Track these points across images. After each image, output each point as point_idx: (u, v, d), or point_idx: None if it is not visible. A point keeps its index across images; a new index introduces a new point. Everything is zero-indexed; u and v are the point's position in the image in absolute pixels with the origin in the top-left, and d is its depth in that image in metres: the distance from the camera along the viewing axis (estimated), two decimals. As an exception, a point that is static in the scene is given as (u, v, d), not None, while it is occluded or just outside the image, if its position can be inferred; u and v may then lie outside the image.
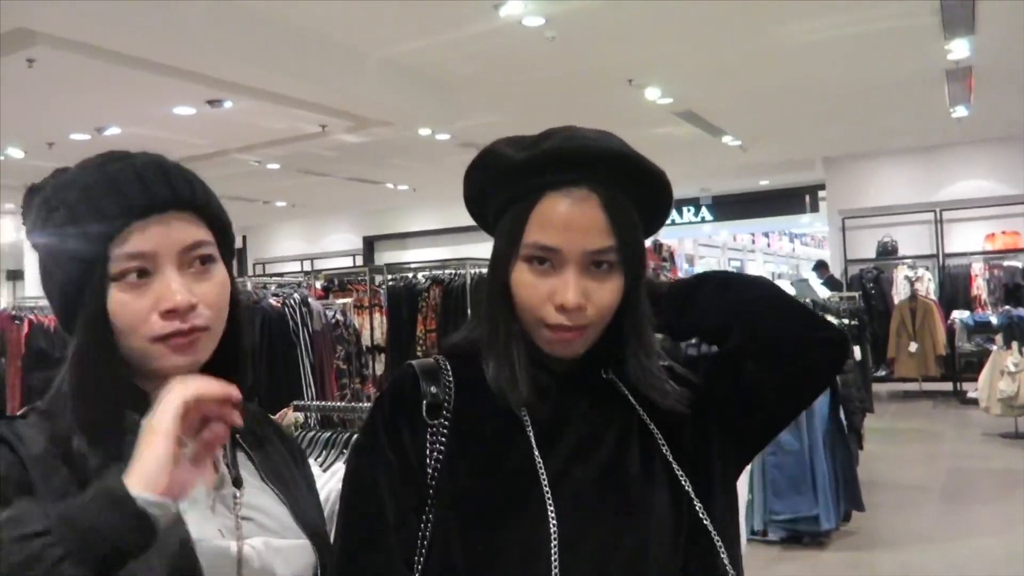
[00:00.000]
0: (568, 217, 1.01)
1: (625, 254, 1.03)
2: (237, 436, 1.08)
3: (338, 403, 3.28)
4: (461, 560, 1.00)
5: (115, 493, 0.76)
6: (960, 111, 8.94)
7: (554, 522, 0.99)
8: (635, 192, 1.06)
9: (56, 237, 0.96)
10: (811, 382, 1.16)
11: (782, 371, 1.09)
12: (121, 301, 0.94)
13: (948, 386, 10.61)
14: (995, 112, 9.30)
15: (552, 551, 0.98)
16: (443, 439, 1.05)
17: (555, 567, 0.98)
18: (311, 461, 2.29)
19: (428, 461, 1.04)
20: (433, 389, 1.07)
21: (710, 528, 1.04)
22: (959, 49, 6.80)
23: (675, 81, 7.71)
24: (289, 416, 3.56)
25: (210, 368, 0.99)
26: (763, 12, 5.98)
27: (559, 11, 5.75)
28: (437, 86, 7.53)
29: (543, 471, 1.02)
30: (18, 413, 0.97)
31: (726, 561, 1.04)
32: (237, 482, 1.04)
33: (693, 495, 1.05)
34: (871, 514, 5.35)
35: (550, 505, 1.00)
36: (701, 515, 1.05)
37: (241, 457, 1.08)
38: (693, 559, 1.04)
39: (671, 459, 1.08)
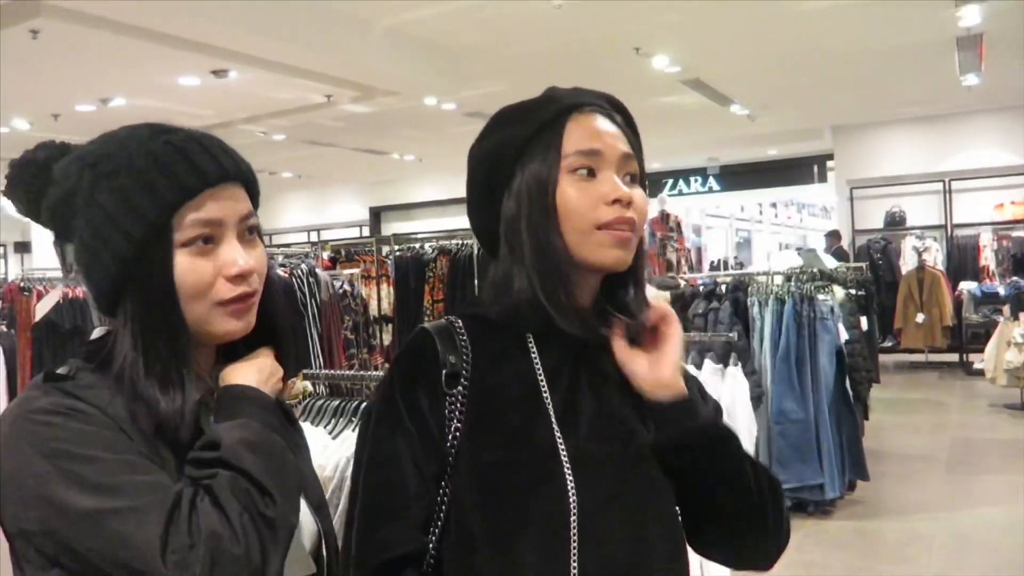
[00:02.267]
0: (601, 125, 1.07)
1: (642, 168, 1.10)
2: None
3: (347, 372, 3.30)
4: (479, 531, 1.01)
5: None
6: (970, 79, 8.84)
7: (573, 496, 1.01)
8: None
9: (120, 200, 0.95)
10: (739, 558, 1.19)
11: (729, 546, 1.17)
12: (189, 266, 0.97)
13: (955, 357, 10.61)
14: (1006, 80, 9.22)
15: (572, 524, 1.00)
16: (461, 409, 1.04)
17: (574, 540, 1.00)
18: (320, 428, 2.32)
19: (447, 431, 1.04)
20: (452, 358, 1.06)
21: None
22: (970, 16, 6.71)
23: (683, 49, 7.65)
24: (298, 385, 3.59)
25: (251, 334, 1.05)
26: (772, -21, 5.92)
27: (566, -21, 5.70)
28: (443, 55, 7.49)
29: (563, 445, 1.03)
30: (60, 371, 0.97)
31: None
32: None
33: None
34: (876, 483, 5.38)
35: (569, 478, 1.01)
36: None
37: None
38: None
39: None
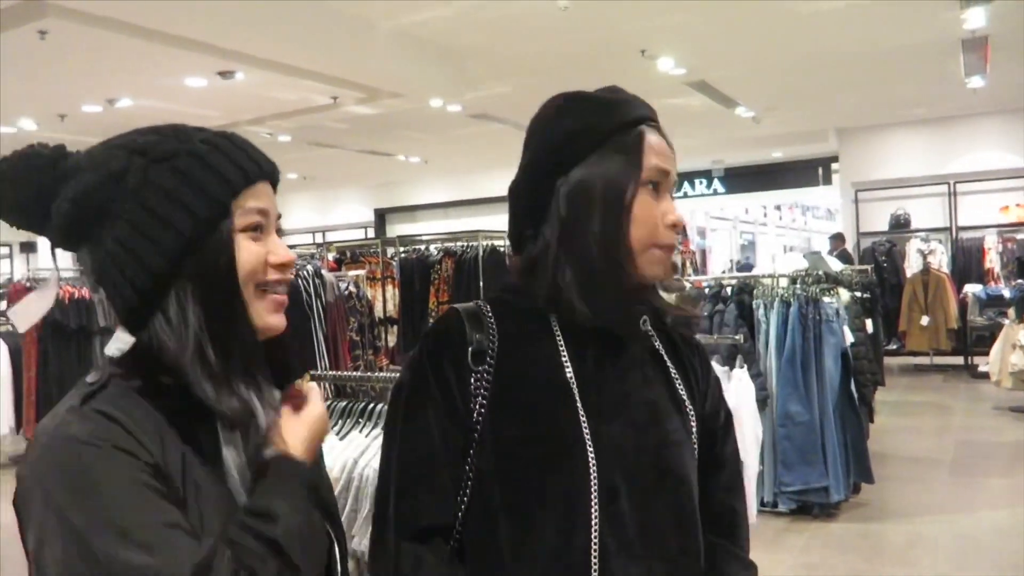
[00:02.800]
0: (665, 146, 1.13)
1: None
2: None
3: (352, 373, 3.32)
4: (500, 505, 1.05)
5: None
6: (975, 81, 8.84)
7: (595, 475, 1.04)
8: None
9: (182, 179, 0.94)
10: None
11: None
12: (249, 248, 0.98)
13: (959, 360, 10.59)
14: (1011, 82, 9.20)
15: (592, 504, 1.03)
16: (487, 385, 1.08)
17: (595, 520, 1.03)
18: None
19: (473, 406, 1.07)
20: (478, 336, 1.10)
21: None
22: (975, 18, 6.70)
23: (688, 51, 7.65)
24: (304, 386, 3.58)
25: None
26: (778, -19, 5.92)
27: (571, -19, 5.71)
28: (448, 57, 7.50)
29: (586, 425, 1.06)
30: (90, 379, 0.94)
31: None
32: None
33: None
34: (881, 486, 5.37)
35: (592, 458, 1.04)
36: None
37: None
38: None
39: (693, 424, 1.16)
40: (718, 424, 1.25)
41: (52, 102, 8.22)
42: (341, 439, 2.25)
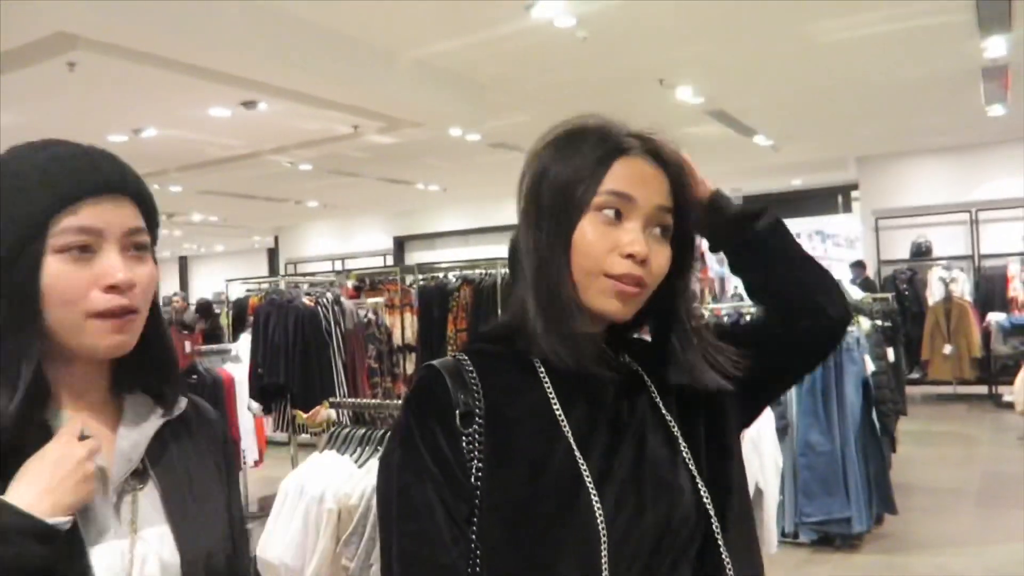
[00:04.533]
0: (645, 173, 1.07)
1: (683, 225, 1.10)
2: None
3: (371, 400, 3.33)
4: (514, 568, 1.00)
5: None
6: (996, 110, 8.81)
7: (602, 522, 1.00)
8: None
9: (1, 202, 0.96)
10: (809, 349, 1.23)
11: (791, 327, 1.17)
12: (60, 272, 0.96)
13: (983, 389, 10.46)
14: (1032, 111, 9.17)
15: (602, 551, 0.99)
16: (480, 446, 1.03)
17: (605, 566, 0.98)
18: (347, 457, 2.34)
19: (470, 471, 1.02)
20: (463, 396, 1.05)
21: (713, 518, 1.07)
22: (995, 47, 6.70)
23: (706, 80, 7.68)
24: (322, 413, 3.61)
25: (131, 354, 1.03)
26: (795, 10, 5.95)
27: (590, 11, 5.76)
28: (468, 87, 7.57)
29: (586, 470, 1.02)
30: None
31: (723, 552, 1.06)
32: (138, 474, 1.04)
33: (700, 481, 1.08)
34: (904, 517, 5.30)
35: (595, 499, 1.00)
36: (706, 501, 1.07)
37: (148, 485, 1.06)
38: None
39: (682, 443, 1.11)
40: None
41: (79, 132, 8.21)
42: (360, 467, 2.26)
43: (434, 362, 1.10)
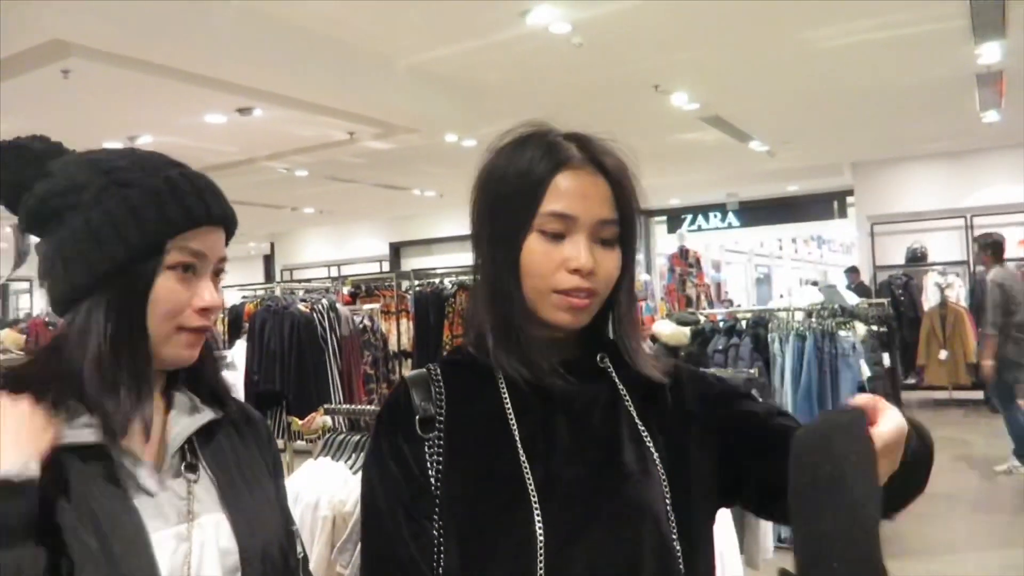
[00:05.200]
0: (584, 187, 1.08)
1: (626, 230, 1.11)
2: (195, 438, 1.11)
3: (366, 407, 3.32)
4: (457, 567, 1.03)
5: None
6: (991, 115, 8.85)
7: (540, 527, 1.01)
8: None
9: (127, 210, 1.01)
10: None
11: None
12: (171, 288, 1.03)
13: (979, 394, 10.46)
14: (1027, 116, 9.20)
15: (539, 557, 1.00)
16: (440, 450, 1.08)
17: (540, 570, 0.99)
18: (341, 463, 2.33)
19: (431, 473, 1.07)
20: (424, 403, 1.11)
21: (676, 545, 1.05)
22: (989, 53, 6.73)
23: (702, 86, 7.70)
24: (317, 420, 3.60)
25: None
26: (790, 16, 5.97)
27: (586, 17, 5.77)
28: (464, 93, 7.58)
29: (529, 476, 1.04)
30: None
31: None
32: (191, 467, 1.09)
33: (670, 503, 1.07)
34: (900, 523, 5.26)
35: (536, 510, 1.02)
36: (672, 528, 1.06)
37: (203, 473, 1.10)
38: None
39: (658, 461, 1.09)
40: (735, 400, 1.18)
41: (74, 139, 8.15)
42: (355, 473, 2.26)
43: (406, 374, 1.18)
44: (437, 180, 12.16)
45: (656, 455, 1.10)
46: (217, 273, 1.10)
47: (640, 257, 14.00)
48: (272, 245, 18.82)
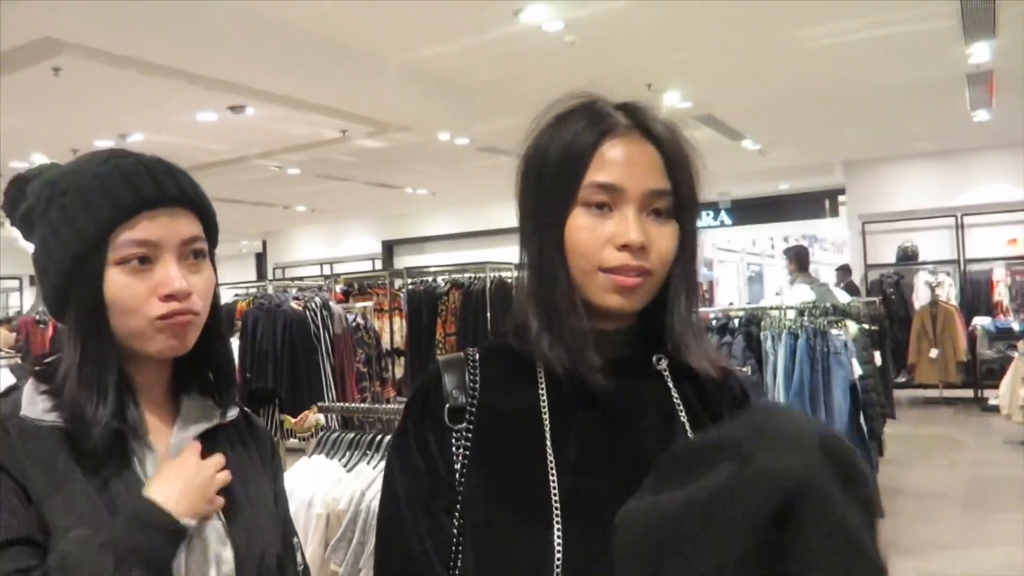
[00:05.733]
0: (630, 155, 0.99)
1: (681, 201, 1.02)
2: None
3: (359, 404, 3.33)
4: (473, 570, 0.97)
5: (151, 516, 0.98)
6: (981, 115, 8.88)
7: (559, 547, 0.93)
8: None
9: (64, 217, 1.02)
10: None
11: None
12: (122, 283, 1.02)
13: (969, 393, 10.52)
14: (1016, 116, 9.23)
15: (555, 572, 0.92)
16: (467, 443, 1.01)
17: None
18: (335, 462, 2.33)
19: (454, 466, 1.00)
20: (455, 391, 1.03)
21: None
22: (980, 53, 6.76)
23: (694, 85, 7.71)
24: (310, 418, 3.60)
25: (191, 356, 1.09)
26: (782, 16, 5.98)
27: (579, 16, 5.78)
28: (456, 91, 7.58)
29: (555, 487, 0.96)
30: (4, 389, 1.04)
31: None
32: None
33: None
34: (891, 521, 5.32)
35: (557, 527, 0.93)
36: None
37: None
38: None
39: None
40: None
41: (65, 137, 8.32)
42: (349, 471, 2.26)
43: (442, 357, 1.09)
44: (430, 178, 12.15)
45: None
46: (195, 256, 1.06)
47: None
48: (264, 243, 18.78)
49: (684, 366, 1.04)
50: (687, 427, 1.02)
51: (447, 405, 1.03)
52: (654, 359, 1.05)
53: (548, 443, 0.98)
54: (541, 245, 1.01)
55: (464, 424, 1.02)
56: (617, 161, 0.99)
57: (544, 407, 1.01)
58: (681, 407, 1.04)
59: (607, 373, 0.99)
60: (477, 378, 1.05)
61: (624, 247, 0.97)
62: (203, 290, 1.06)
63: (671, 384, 1.05)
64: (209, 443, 1.11)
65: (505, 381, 1.04)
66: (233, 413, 1.17)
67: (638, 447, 0.99)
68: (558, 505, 0.95)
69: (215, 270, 1.11)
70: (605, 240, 0.98)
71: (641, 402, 1.03)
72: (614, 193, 0.98)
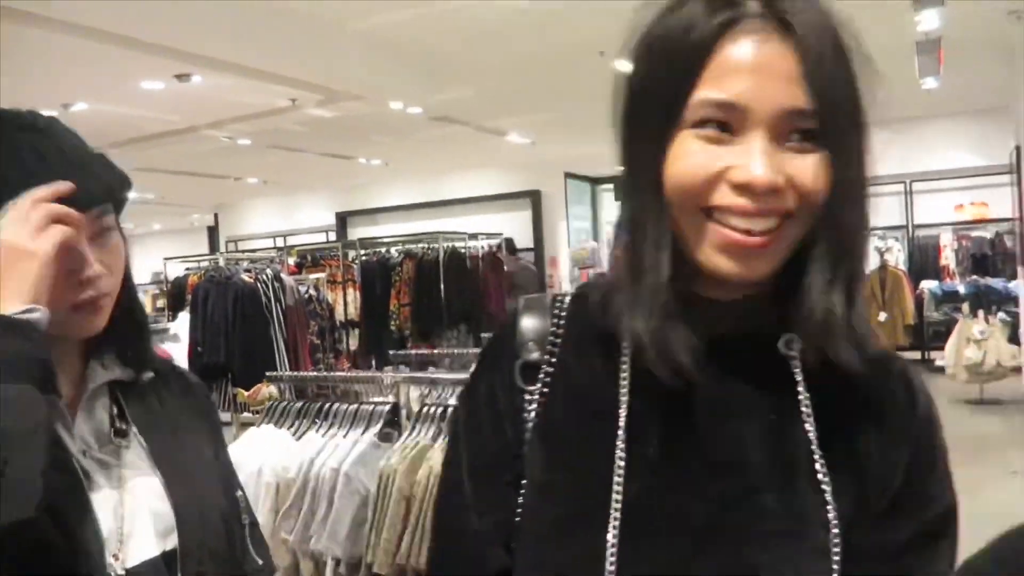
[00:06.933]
0: (761, 59, 0.72)
1: (834, 125, 0.76)
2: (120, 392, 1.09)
3: (310, 373, 3.30)
4: (520, 563, 0.82)
5: None
6: (930, 83, 8.99)
7: (613, 553, 0.73)
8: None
9: None
10: None
11: None
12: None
13: (917, 354, 10.77)
14: (964, 84, 9.39)
15: None
16: (539, 409, 0.83)
17: None
18: (284, 431, 2.31)
19: (523, 433, 0.83)
20: (531, 343, 0.84)
21: None
22: (928, 20, 6.83)
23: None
24: (263, 391, 3.57)
25: (109, 331, 1.05)
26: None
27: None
28: (408, 60, 7.48)
29: (618, 495, 0.75)
30: None
31: None
32: (121, 433, 1.07)
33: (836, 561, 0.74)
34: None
35: (611, 547, 0.73)
36: None
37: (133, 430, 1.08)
38: None
39: (834, 521, 0.75)
40: (907, 527, 0.85)
41: (5, 107, 8.08)
42: (298, 440, 2.24)
43: (524, 296, 0.91)
44: (382, 149, 12.02)
45: (834, 512, 0.75)
46: (101, 234, 1.01)
47: (586, 224, 14.09)
48: (216, 216, 18.48)
49: (823, 353, 0.76)
50: (811, 437, 0.77)
51: (520, 360, 0.84)
52: (781, 341, 0.77)
53: (619, 440, 0.76)
54: (634, 183, 0.78)
55: (537, 386, 0.83)
56: (742, 68, 0.72)
57: (624, 381, 0.79)
58: (808, 410, 0.78)
59: (708, 354, 0.75)
60: (561, 330, 0.85)
61: (744, 187, 0.71)
62: (112, 267, 1.02)
63: (799, 377, 0.78)
64: (137, 403, 1.09)
65: (587, 338, 0.83)
66: (148, 372, 1.13)
67: (738, 456, 0.77)
68: (616, 521, 0.74)
69: (122, 235, 1.06)
70: (716, 175, 0.72)
71: (751, 397, 0.78)
72: (735, 113, 0.72)
